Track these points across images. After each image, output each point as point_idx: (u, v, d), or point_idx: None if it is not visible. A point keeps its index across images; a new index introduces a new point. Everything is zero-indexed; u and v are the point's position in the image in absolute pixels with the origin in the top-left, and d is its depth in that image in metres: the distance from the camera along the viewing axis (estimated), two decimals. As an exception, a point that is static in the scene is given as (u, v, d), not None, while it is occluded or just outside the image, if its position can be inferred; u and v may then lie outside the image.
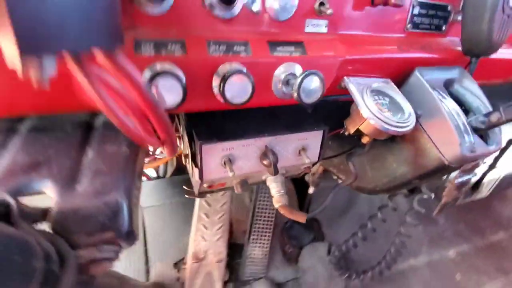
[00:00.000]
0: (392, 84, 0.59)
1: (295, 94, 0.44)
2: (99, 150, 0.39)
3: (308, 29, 0.51)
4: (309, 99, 0.45)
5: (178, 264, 1.05)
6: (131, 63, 0.27)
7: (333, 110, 0.59)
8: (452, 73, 0.63)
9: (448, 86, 0.63)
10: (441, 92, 0.59)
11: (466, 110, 0.62)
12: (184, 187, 0.65)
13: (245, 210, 1.13)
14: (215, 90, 0.44)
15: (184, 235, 1.04)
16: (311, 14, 0.50)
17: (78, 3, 0.22)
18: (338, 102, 0.60)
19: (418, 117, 0.58)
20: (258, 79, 0.47)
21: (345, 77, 0.55)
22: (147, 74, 0.39)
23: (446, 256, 1.39)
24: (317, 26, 0.52)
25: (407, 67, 0.60)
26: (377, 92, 0.56)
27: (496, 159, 1.15)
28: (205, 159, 0.51)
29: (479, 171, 1.19)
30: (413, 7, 0.59)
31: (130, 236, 0.35)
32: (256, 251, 1.09)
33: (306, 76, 0.43)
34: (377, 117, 0.51)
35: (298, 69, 0.49)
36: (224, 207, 0.98)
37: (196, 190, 0.62)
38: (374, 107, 0.52)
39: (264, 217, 1.09)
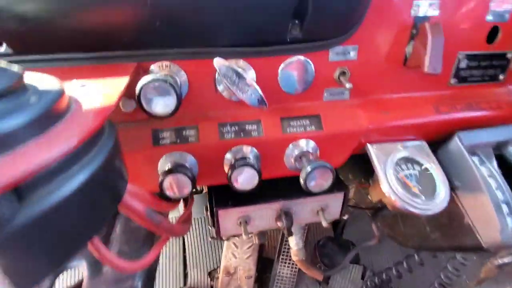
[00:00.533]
0: (427, 148, 0.53)
1: (303, 184, 0.43)
2: (125, 226, 0.45)
3: (327, 97, 0.49)
4: (318, 189, 0.44)
5: (212, 273, 1.15)
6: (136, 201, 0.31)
7: (361, 160, 0.57)
8: (507, 133, 0.54)
9: (501, 148, 0.54)
10: (486, 160, 0.51)
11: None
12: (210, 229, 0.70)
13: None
14: (226, 171, 0.46)
15: (219, 248, 1.12)
16: (331, 83, 0.48)
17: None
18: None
19: (454, 189, 0.52)
20: (270, 156, 0.48)
21: (367, 145, 0.52)
22: (163, 165, 0.43)
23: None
24: (337, 94, 0.49)
25: (447, 129, 0.53)
26: (406, 160, 0.51)
27: None
28: (221, 221, 0.55)
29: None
30: (459, 61, 0.51)
31: None
32: (285, 270, 1.13)
33: (313, 170, 0.42)
34: (398, 195, 0.47)
35: (312, 147, 0.47)
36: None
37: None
38: (396, 183, 0.48)
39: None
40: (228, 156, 0.45)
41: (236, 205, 0.54)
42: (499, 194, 0.48)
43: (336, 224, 1.30)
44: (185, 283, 1.16)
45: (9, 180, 0.17)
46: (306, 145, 0.47)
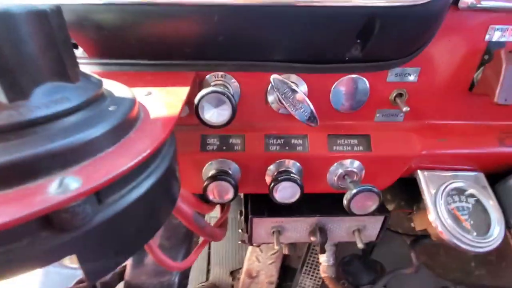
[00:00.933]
0: (484, 181, 0.49)
1: (346, 204, 0.42)
2: (168, 223, 0.47)
3: (379, 118, 0.47)
4: (361, 212, 0.43)
5: (234, 273, 1.17)
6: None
7: (403, 183, 0.54)
8: None
9: None
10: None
11: None
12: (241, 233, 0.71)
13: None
14: (267, 182, 0.46)
15: (243, 249, 1.13)
16: (385, 104, 0.46)
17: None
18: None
19: (510, 227, 0.47)
20: (312, 171, 0.47)
21: (418, 171, 0.49)
22: (208, 170, 0.44)
23: None
24: (391, 116, 0.47)
25: (510, 163, 0.48)
26: (459, 192, 0.48)
27: None
28: (254, 229, 0.55)
29: None
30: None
31: None
32: (307, 282, 1.11)
33: (358, 192, 0.40)
34: (446, 227, 0.44)
35: (358, 167, 0.46)
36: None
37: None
38: (446, 214, 0.45)
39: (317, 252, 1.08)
40: (272, 167, 0.46)
41: (272, 215, 0.54)
42: None
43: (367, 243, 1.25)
44: (207, 279, 1.19)
45: (95, 185, 0.18)
46: (351, 164, 0.46)
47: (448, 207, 0.46)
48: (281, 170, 0.45)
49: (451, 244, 0.44)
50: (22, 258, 0.17)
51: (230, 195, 0.42)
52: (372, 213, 0.54)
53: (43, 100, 0.21)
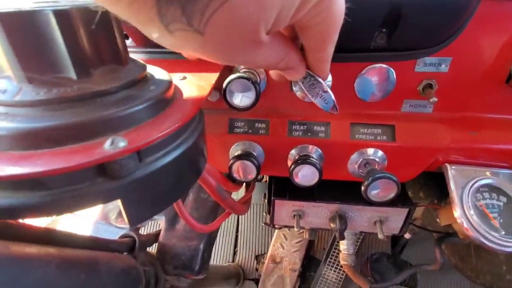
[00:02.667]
0: (520, 179, 0.46)
1: (363, 191, 0.43)
2: (197, 196, 0.52)
3: (406, 108, 0.47)
4: (379, 200, 0.44)
5: (259, 258, 1.22)
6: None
7: (437, 179, 0.53)
8: None
9: None
10: None
11: None
12: (265, 215, 0.75)
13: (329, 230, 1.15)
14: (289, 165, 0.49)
15: (269, 235, 1.17)
16: (412, 94, 0.46)
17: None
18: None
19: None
20: (334, 158, 0.49)
21: (446, 164, 0.48)
22: (234, 150, 0.48)
23: None
24: (419, 107, 0.47)
25: (554, 162, 0.45)
26: (491, 189, 0.46)
27: None
28: (276, 210, 0.59)
29: None
30: None
31: (199, 274, 0.48)
32: (331, 273, 1.12)
33: (376, 179, 0.41)
34: (471, 223, 0.43)
35: (380, 156, 0.47)
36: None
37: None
38: (473, 210, 0.44)
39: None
40: (293, 152, 0.48)
41: (293, 198, 0.57)
42: None
43: (396, 242, 1.22)
44: (233, 260, 1.26)
45: (136, 145, 0.23)
46: (374, 154, 0.47)
47: (476, 204, 0.45)
48: (302, 154, 0.47)
49: (476, 241, 0.43)
50: (84, 196, 0.23)
51: (253, 174, 0.46)
52: (396, 205, 0.55)
53: (102, 78, 0.26)
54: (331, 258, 1.11)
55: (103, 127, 0.24)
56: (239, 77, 0.38)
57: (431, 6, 0.35)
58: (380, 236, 0.55)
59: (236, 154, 0.47)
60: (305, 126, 0.48)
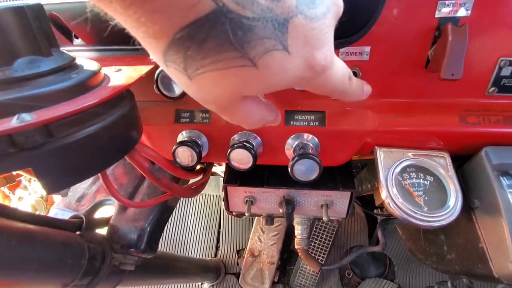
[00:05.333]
0: (448, 160, 0.49)
1: (290, 171, 0.47)
2: (151, 182, 0.56)
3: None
4: (304, 179, 0.47)
5: (240, 252, 1.25)
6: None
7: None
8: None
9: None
10: (518, 184, 0.45)
11: None
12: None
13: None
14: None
15: (250, 230, 1.20)
16: (340, 82, 0.49)
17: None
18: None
19: (474, 209, 0.47)
20: (271, 144, 0.52)
21: (376, 147, 0.51)
22: (180, 139, 0.52)
23: None
24: (347, 94, 0.50)
25: (475, 143, 0.48)
26: (417, 169, 0.49)
27: None
28: (230, 197, 0.62)
29: None
30: (500, 67, 0.45)
31: (146, 253, 0.52)
32: (308, 267, 1.14)
33: (298, 160, 0.45)
34: (396, 203, 0.46)
35: (312, 140, 0.50)
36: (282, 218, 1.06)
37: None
38: (397, 190, 0.47)
39: (322, 236, 1.10)
40: (235, 137, 0.52)
41: (243, 185, 0.60)
42: (523, 223, 0.42)
43: (371, 234, 1.23)
44: (215, 255, 1.29)
45: (42, 119, 0.27)
46: (307, 138, 0.50)
47: (402, 183, 0.48)
48: (241, 140, 0.51)
49: (402, 219, 0.46)
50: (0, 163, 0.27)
51: (193, 160, 0.50)
52: (338, 188, 0.58)
53: (21, 67, 0.30)
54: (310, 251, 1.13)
55: (18, 106, 0.28)
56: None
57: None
58: (325, 218, 0.58)
59: (179, 140, 0.51)
60: (244, 115, 0.52)
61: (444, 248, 0.57)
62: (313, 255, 1.18)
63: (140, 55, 0.48)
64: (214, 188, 1.32)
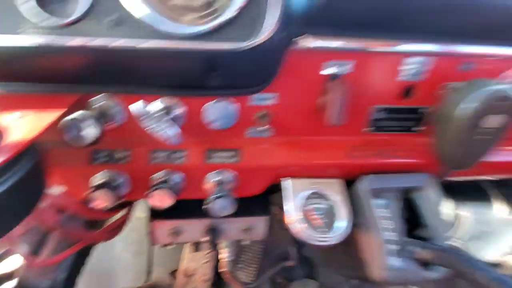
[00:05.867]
0: (341, 186, 0.59)
1: (206, 210, 0.51)
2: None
3: (250, 135, 0.56)
4: (220, 215, 0.52)
5: (174, 273, 1.23)
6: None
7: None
8: (413, 181, 0.60)
9: (409, 193, 0.60)
10: (391, 203, 0.58)
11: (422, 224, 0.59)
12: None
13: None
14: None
15: (184, 249, 1.19)
16: (252, 123, 0.55)
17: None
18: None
19: (357, 225, 0.58)
20: (193, 180, 0.55)
21: (281, 180, 0.58)
22: (95, 180, 0.51)
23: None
24: (259, 133, 0.56)
25: (359, 171, 0.59)
26: (318, 196, 0.58)
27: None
28: (155, 230, 0.62)
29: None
30: (374, 112, 0.57)
31: None
32: (243, 278, 1.19)
33: (213, 199, 0.49)
34: (300, 227, 0.54)
35: (230, 176, 0.55)
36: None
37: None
38: (301, 215, 0.55)
39: (253, 249, 1.17)
40: (156, 176, 0.53)
41: (169, 218, 0.61)
42: (389, 235, 0.54)
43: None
44: (148, 280, 1.24)
45: None
46: (224, 174, 0.55)
47: (304, 209, 0.56)
48: (162, 179, 0.52)
49: (306, 241, 0.54)
50: None
51: (112, 202, 0.49)
52: (256, 215, 0.64)
53: None
54: (240, 264, 1.19)
55: None
56: (72, 119, 0.41)
57: (237, 58, 0.44)
58: (247, 242, 0.64)
59: (95, 184, 0.49)
60: (164, 153, 0.53)
61: (344, 257, 0.68)
62: (243, 270, 1.24)
63: (48, 93, 0.46)
64: (141, 209, 1.26)
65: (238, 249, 1.23)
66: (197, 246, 0.69)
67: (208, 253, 1.13)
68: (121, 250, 1.25)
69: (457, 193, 0.99)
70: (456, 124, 0.50)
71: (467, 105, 0.48)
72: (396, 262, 0.53)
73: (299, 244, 1.38)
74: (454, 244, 0.59)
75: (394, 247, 0.54)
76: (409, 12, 0.49)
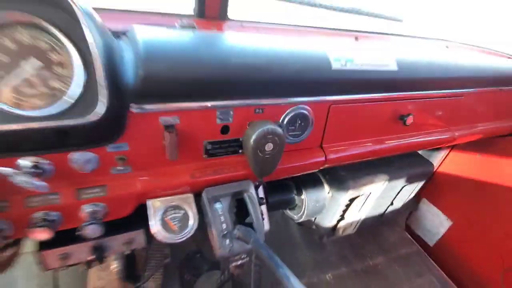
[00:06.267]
0: (190, 199, 0.84)
1: (81, 234, 0.69)
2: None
3: (115, 172, 0.76)
4: (92, 237, 0.70)
5: (84, 295, 1.32)
6: None
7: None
8: (240, 186, 0.89)
9: (239, 195, 0.89)
10: (224, 204, 0.85)
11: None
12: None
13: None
14: (33, 227, 0.68)
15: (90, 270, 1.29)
16: (114, 164, 0.75)
17: None
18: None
19: (205, 223, 0.84)
20: (68, 214, 0.72)
21: (147, 200, 0.80)
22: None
23: (323, 279, 1.70)
24: (122, 170, 0.76)
25: (203, 186, 0.85)
26: (175, 207, 0.82)
27: (344, 212, 1.44)
28: (46, 258, 0.76)
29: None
30: (206, 144, 0.83)
31: None
32: (150, 284, 1.37)
33: (85, 226, 0.68)
34: (161, 233, 0.77)
35: (101, 206, 0.74)
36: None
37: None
38: (161, 224, 0.78)
39: (158, 256, 1.35)
40: (35, 215, 0.68)
41: (56, 246, 0.76)
42: (223, 226, 0.82)
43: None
44: (56, 306, 1.29)
45: None
46: (96, 205, 0.73)
47: (163, 219, 0.79)
48: (41, 218, 0.68)
49: (166, 243, 0.77)
50: None
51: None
52: (131, 229, 0.84)
53: None
54: (148, 271, 1.36)
55: None
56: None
57: (84, 128, 0.63)
58: (128, 252, 0.83)
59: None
60: (40, 197, 0.69)
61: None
62: (153, 274, 1.41)
63: None
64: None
65: (144, 259, 1.39)
66: (88, 265, 0.85)
67: (115, 268, 1.26)
68: (25, 286, 1.25)
69: (302, 184, 1.37)
70: (250, 149, 0.80)
71: (253, 137, 0.79)
72: (227, 242, 0.81)
73: (198, 244, 1.63)
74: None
75: (226, 233, 0.81)
76: (210, 83, 0.76)
